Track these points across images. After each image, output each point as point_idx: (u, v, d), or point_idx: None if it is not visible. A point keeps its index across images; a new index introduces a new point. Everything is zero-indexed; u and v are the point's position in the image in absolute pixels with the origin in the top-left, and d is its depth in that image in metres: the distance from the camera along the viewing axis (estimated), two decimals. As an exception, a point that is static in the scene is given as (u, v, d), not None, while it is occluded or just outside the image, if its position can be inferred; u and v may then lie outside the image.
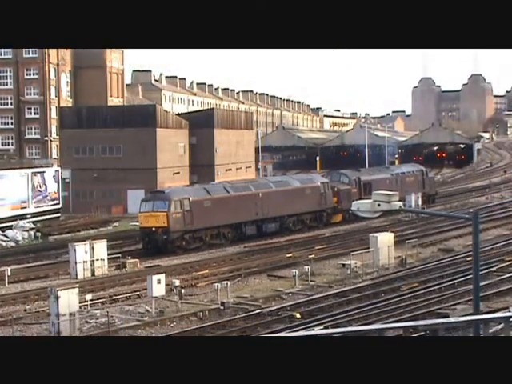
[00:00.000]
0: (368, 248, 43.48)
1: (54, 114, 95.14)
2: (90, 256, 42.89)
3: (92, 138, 73.75)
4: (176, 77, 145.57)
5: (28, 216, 62.76)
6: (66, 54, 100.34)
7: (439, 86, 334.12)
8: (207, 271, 42.91)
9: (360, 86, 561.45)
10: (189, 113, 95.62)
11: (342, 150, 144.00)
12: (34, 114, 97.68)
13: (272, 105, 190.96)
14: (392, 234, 45.88)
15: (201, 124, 79.33)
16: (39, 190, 66.18)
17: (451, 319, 13.21)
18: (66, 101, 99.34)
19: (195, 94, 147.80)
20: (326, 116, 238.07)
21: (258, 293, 37.54)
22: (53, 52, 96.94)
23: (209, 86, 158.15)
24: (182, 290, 35.98)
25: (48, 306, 31.67)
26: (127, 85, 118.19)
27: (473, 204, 69.91)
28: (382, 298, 34.90)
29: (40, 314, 33.97)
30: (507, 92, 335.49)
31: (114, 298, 36.70)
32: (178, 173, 75.73)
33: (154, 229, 48.87)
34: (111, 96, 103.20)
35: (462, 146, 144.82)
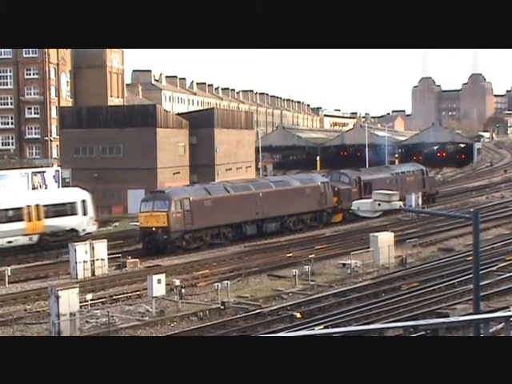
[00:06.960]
0: (368, 247, 43.49)
1: (54, 113, 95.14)
2: (90, 256, 42.92)
3: (92, 138, 73.74)
4: (176, 77, 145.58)
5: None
6: (66, 54, 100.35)
7: (439, 86, 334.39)
8: (207, 271, 42.91)
9: (360, 85, 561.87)
10: (189, 112, 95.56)
11: (342, 150, 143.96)
12: (34, 113, 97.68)
13: (272, 105, 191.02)
14: (392, 234, 45.88)
15: (201, 124, 79.26)
16: (39, 190, 66.11)
17: (451, 319, 13.21)
18: (66, 101, 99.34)
19: (195, 94, 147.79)
20: (326, 116, 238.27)
21: (259, 292, 37.53)
22: (53, 52, 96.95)
23: (209, 85, 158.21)
24: (183, 290, 36.01)
25: (48, 305, 31.66)
26: (127, 85, 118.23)
27: (473, 203, 69.92)
28: (382, 298, 34.88)
29: (40, 313, 33.98)
30: (507, 91, 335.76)
31: (115, 297, 36.71)
32: (178, 173, 75.70)
33: (154, 229, 48.87)
34: (111, 96, 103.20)
35: (462, 145, 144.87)
